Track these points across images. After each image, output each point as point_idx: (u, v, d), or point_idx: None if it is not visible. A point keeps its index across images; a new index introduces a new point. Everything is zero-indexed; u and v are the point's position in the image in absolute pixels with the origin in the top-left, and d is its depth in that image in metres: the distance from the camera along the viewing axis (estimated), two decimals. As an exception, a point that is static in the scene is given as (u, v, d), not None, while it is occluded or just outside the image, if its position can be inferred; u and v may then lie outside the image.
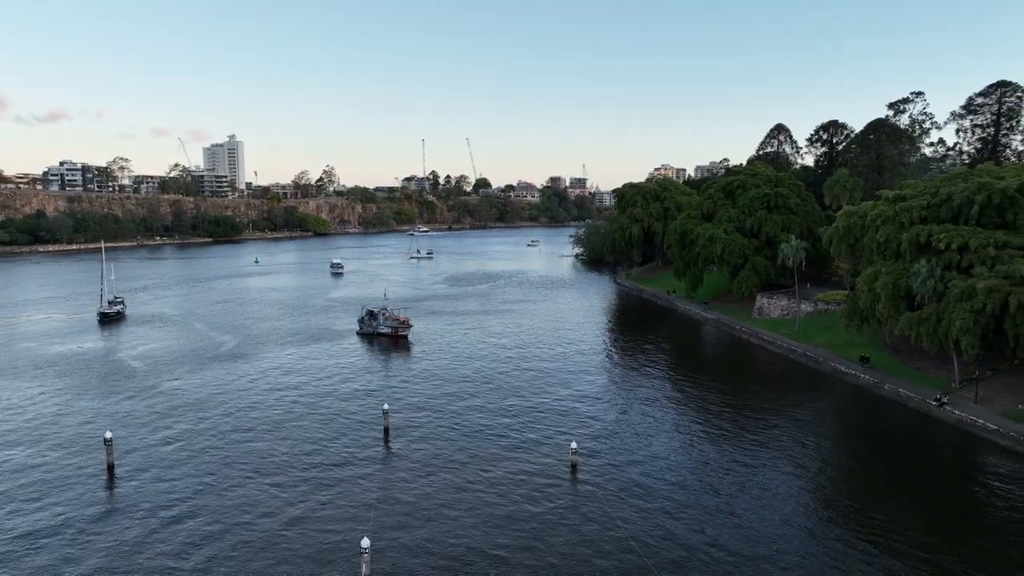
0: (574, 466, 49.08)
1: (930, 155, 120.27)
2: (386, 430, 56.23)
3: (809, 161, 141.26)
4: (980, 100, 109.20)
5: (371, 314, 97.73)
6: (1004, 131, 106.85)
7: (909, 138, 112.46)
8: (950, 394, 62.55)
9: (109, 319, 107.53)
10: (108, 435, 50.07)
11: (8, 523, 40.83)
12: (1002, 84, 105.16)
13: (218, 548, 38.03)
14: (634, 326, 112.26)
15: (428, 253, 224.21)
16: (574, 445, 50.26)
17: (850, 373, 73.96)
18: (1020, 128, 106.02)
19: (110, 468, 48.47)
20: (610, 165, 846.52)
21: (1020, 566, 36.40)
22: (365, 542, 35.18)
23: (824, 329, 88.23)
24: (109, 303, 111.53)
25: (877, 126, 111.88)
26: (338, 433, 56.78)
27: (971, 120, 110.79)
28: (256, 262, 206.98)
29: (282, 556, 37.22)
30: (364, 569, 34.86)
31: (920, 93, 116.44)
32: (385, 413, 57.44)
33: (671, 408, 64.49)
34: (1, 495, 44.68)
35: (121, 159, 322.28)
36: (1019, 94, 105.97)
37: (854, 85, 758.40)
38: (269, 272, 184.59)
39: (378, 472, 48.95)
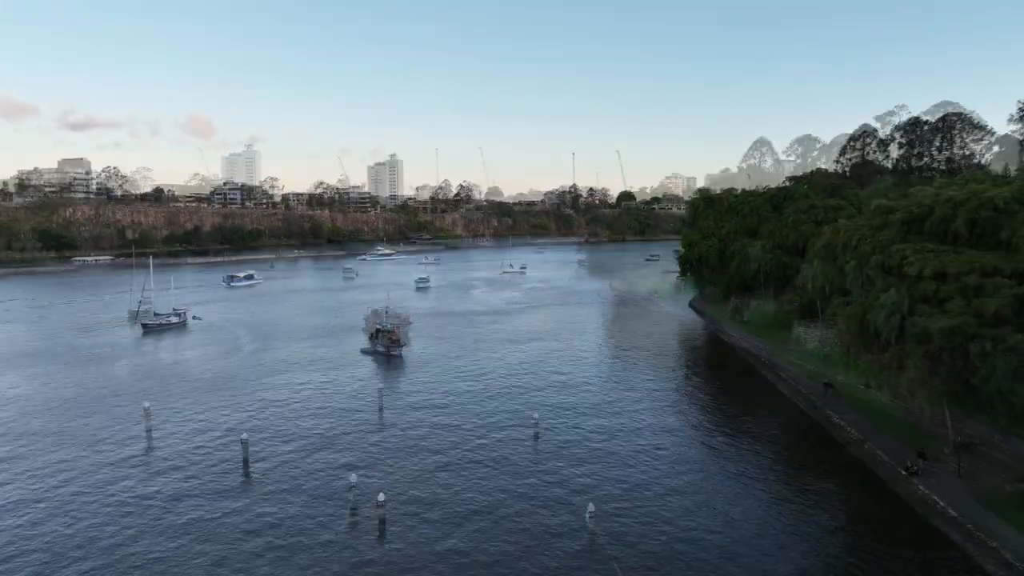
0: (536, 435, 57.93)
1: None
2: (380, 408, 66.04)
3: (790, 172, 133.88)
4: (925, 118, 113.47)
5: (375, 313, 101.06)
6: (945, 146, 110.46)
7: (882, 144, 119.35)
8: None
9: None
10: (146, 404, 62.04)
11: (77, 462, 52.35)
12: (945, 104, 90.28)
13: (233, 480, 49.10)
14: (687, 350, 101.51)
15: (521, 268, 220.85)
16: (536, 415, 60.02)
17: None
18: (958, 145, 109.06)
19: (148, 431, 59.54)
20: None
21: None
22: (353, 478, 45.61)
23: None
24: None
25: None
26: (340, 408, 67.18)
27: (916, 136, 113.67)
28: (355, 275, 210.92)
29: (287, 489, 47.20)
30: (351, 500, 44.54)
31: (903, 106, 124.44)
32: (380, 391, 68.49)
33: (653, 395, 63.30)
34: (84, 444, 56.72)
35: (271, 178, 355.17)
36: (958, 112, 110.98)
37: (855, 92, 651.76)
38: (363, 285, 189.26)
39: (372, 432, 59.56)
